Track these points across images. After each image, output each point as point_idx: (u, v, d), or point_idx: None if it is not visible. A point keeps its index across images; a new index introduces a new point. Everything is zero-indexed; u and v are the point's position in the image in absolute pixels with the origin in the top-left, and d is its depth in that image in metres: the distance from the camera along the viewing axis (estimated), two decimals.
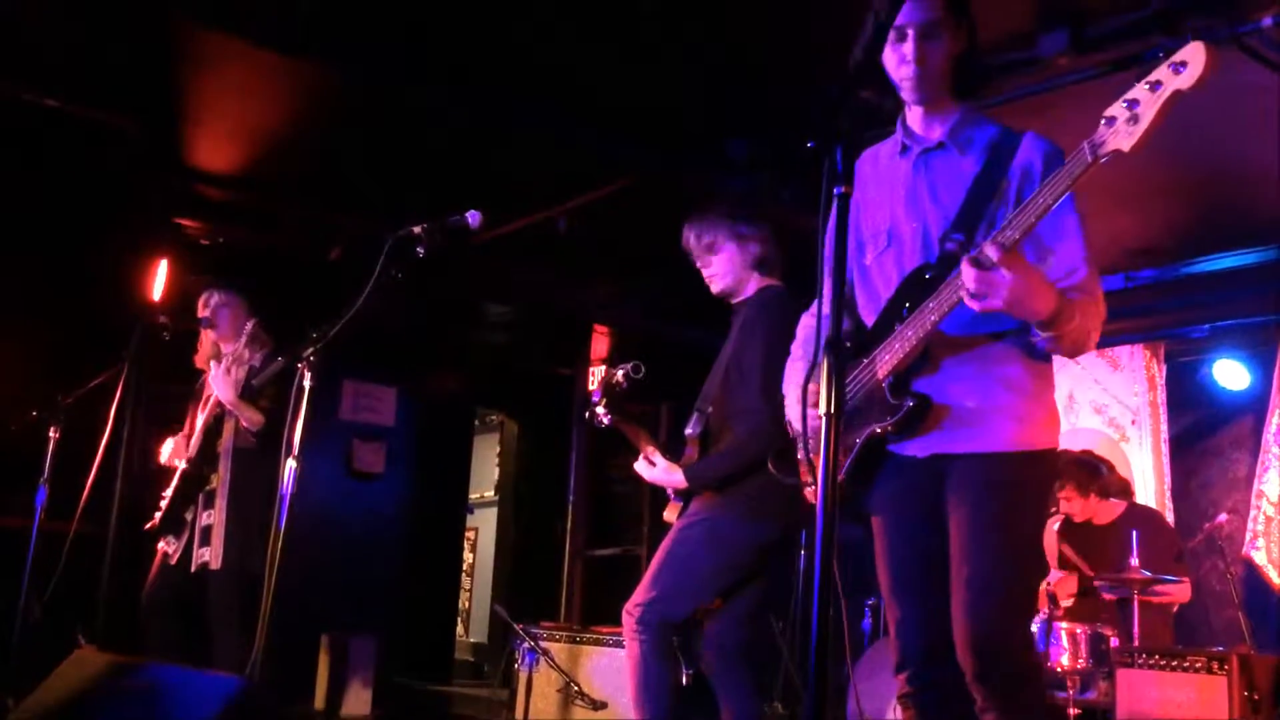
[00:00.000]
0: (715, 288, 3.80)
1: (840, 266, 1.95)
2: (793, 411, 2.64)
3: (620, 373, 3.75)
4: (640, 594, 3.54)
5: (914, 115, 2.58)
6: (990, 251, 2.19)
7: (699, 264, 3.81)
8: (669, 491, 3.81)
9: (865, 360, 2.50)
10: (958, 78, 2.52)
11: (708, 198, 4.02)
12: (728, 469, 3.58)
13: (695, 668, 3.70)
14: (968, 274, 2.22)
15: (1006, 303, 2.22)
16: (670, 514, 3.79)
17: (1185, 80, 2.00)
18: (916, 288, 2.43)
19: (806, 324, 2.79)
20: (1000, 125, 2.54)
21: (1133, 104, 2.04)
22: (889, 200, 2.59)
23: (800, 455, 2.62)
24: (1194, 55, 2.00)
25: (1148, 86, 2.03)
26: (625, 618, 3.54)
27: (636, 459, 3.80)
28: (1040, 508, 2.50)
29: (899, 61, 2.47)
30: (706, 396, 3.76)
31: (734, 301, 3.81)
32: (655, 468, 3.73)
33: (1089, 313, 2.35)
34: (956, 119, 2.54)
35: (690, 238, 3.79)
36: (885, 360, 2.44)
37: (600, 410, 3.78)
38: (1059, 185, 2.16)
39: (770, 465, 2.76)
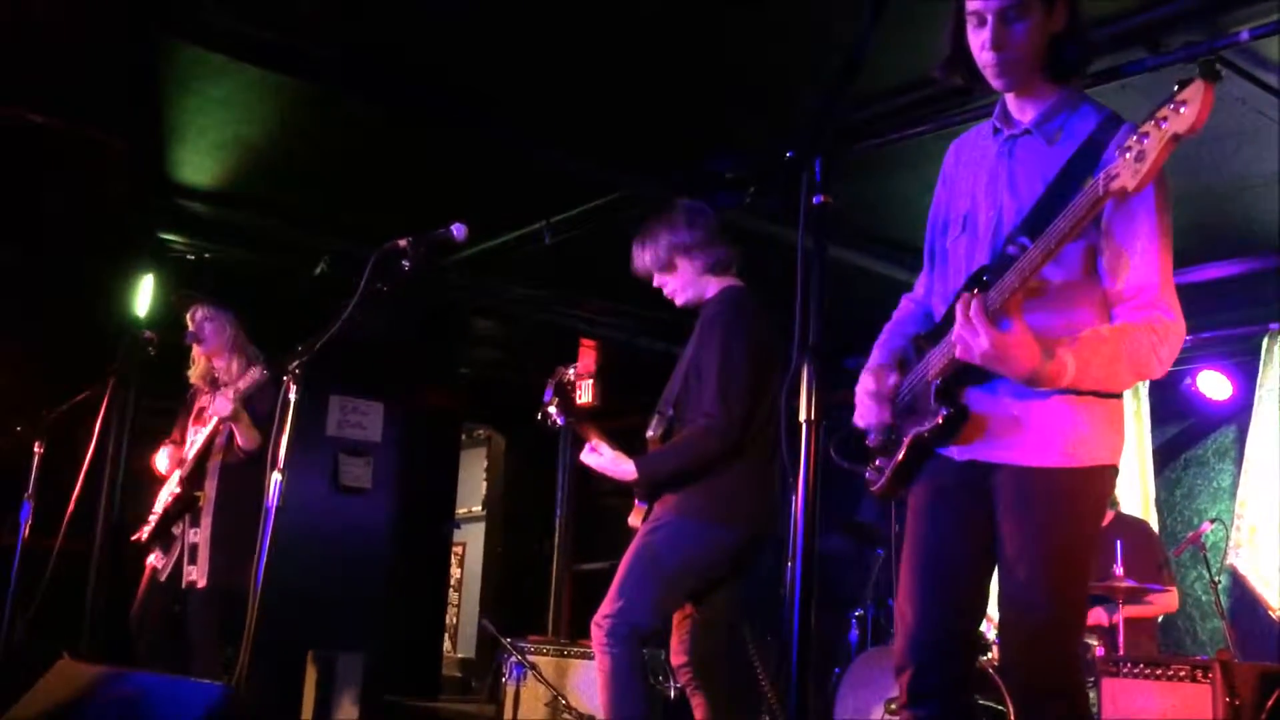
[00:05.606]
0: (679, 301, 3.80)
1: (823, 276, 1.94)
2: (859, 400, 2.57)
3: (570, 371, 3.76)
4: (607, 605, 3.47)
5: (1009, 97, 2.43)
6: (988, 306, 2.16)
7: (656, 283, 3.81)
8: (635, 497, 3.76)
9: (924, 357, 2.43)
10: (1053, 58, 2.34)
11: (646, 216, 3.92)
12: (678, 463, 3.53)
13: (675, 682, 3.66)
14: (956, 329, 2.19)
15: (983, 361, 2.17)
16: (635, 519, 3.72)
17: (1183, 122, 1.91)
18: (975, 289, 2.31)
19: (905, 308, 2.74)
20: (1107, 113, 2.32)
21: (1143, 138, 1.96)
22: (972, 184, 2.48)
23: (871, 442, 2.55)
24: (1194, 95, 1.90)
25: (1154, 124, 1.95)
26: (594, 630, 3.47)
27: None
28: (1086, 524, 2.34)
29: (979, 48, 2.33)
30: (667, 399, 3.73)
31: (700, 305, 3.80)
32: (602, 456, 3.67)
33: (1144, 340, 2.22)
34: (1050, 104, 2.37)
35: (641, 261, 3.78)
36: (935, 362, 2.37)
37: (553, 410, 3.78)
38: (1072, 215, 2.07)
39: (831, 450, 2.57)
